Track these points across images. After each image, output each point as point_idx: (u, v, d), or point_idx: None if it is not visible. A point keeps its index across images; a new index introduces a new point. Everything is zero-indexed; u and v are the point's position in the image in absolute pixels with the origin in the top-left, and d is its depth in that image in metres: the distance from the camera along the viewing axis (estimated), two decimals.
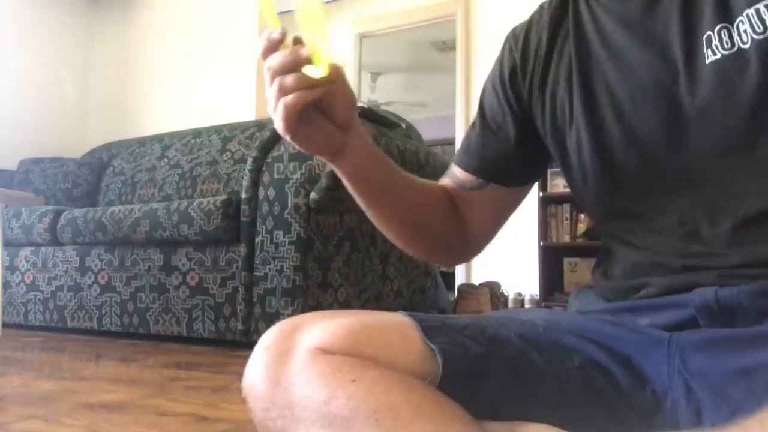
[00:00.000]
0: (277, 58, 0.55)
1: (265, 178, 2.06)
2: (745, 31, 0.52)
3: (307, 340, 0.53)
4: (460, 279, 3.96)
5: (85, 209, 2.51)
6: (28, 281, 2.62)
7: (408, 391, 0.50)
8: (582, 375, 0.57)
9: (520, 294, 3.61)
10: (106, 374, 1.56)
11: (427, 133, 3.13)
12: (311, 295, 1.97)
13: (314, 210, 1.98)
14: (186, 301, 2.18)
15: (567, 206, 3.64)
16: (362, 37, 4.75)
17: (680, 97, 0.56)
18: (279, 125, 0.57)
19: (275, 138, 2.08)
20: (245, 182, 2.10)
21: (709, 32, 0.54)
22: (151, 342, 2.26)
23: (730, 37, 0.53)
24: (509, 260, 3.80)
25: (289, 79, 0.54)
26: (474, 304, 2.99)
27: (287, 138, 0.59)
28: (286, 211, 1.99)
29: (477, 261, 3.97)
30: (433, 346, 0.54)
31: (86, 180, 3.24)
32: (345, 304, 2.08)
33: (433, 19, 4.40)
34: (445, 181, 0.78)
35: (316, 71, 0.52)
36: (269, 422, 0.53)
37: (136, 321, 2.30)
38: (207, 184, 2.75)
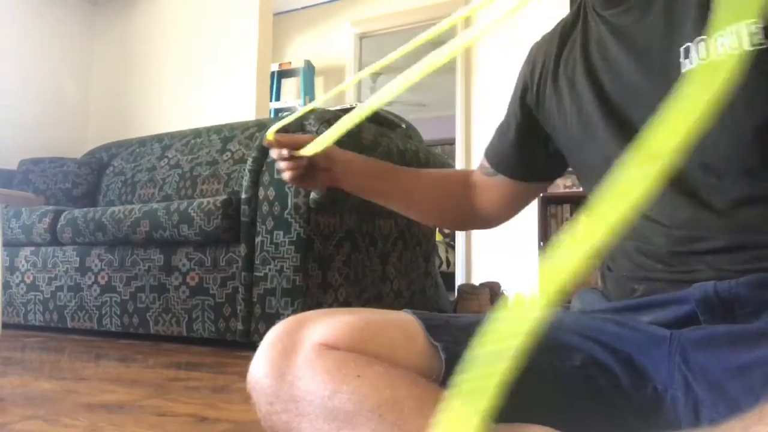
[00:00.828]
0: (274, 154, 0.85)
1: (265, 178, 2.05)
2: (722, 44, 0.55)
3: (313, 336, 0.54)
4: (460, 279, 3.96)
5: (85, 209, 2.50)
6: (28, 281, 2.62)
7: (411, 387, 0.50)
8: (583, 374, 0.57)
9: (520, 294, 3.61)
10: (106, 374, 1.56)
11: (427, 133, 3.13)
12: (311, 295, 1.97)
13: (314, 210, 1.98)
14: (186, 301, 2.18)
15: (567, 206, 3.64)
16: (362, 37, 4.75)
17: (657, 102, 0.59)
18: (289, 181, 0.87)
19: None
20: (245, 182, 2.10)
21: (688, 44, 0.58)
22: (151, 342, 2.26)
23: (707, 49, 0.56)
24: (509, 260, 3.81)
25: (282, 164, 0.85)
26: (474, 305, 2.99)
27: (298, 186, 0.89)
28: (286, 211, 1.99)
29: (477, 261, 3.97)
30: (436, 344, 0.55)
31: (86, 180, 3.24)
32: (345, 305, 2.08)
33: (433, 19, 4.40)
34: (477, 170, 0.93)
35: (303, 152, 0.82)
36: (274, 416, 0.53)
37: (136, 321, 2.29)
38: (207, 184, 2.75)
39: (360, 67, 4.80)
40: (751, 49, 0.53)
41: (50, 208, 2.64)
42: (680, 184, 0.59)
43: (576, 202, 3.62)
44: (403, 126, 2.52)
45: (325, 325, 0.55)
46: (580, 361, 0.58)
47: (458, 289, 3.22)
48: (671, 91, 0.58)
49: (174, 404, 1.18)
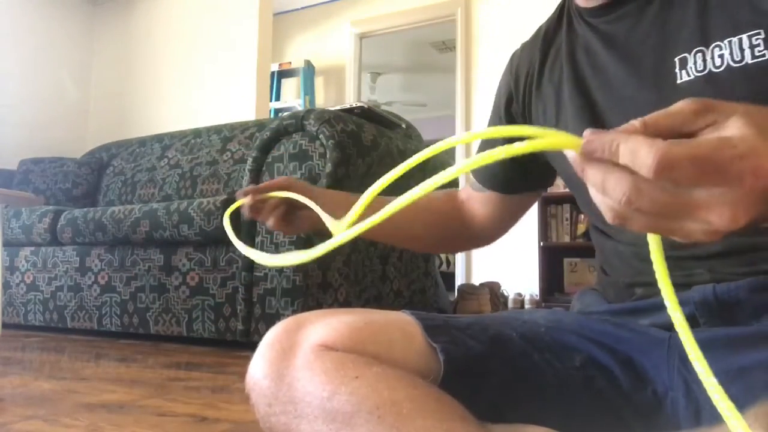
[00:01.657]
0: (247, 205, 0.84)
1: (266, 178, 2.05)
2: (720, 56, 0.54)
3: (311, 336, 0.54)
4: (460, 279, 3.96)
5: (85, 209, 2.50)
6: (28, 281, 2.62)
7: (410, 388, 0.50)
8: (583, 375, 0.57)
9: (520, 294, 3.61)
10: (106, 374, 1.56)
11: (427, 133, 3.13)
12: (311, 295, 1.97)
13: None
14: (186, 301, 2.18)
15: (567, 206, 3.64)
16: (362, 37, 4.75)
17: (648, 113, 0.58)
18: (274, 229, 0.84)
19: (275, 138, 2.08)
20: (245, 182, 2.10)
21: (685, 54, 0.57)
22: (151, 342, 2.26)
23: (704, 60, 0.55)
24: (509, 260, 3.81)
25: (251, 212, 0.84)
26: (474, 305, 2.99)
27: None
28: None
29: (477, 261, 3.97)
30: (435, 345, 0.54)
31: (86, 180, 3.24)
32: (345, 305, 2.08)
33: (433, 19, 4.40)
34: (466, 186, 0.89)
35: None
36: (272, 418, 0.53)
37: (136, 321, 2.29)
38: (207, 184, 2.75)
39: (360, 67, 4.80)
40: (753, 62, 0.52)
41: (50, 208, 2.64)
42: None
43: (576, 202, 3.62)
44: (403, 126, 2.52)
45: (323, 326, 0.55)
46: (579, 362, 0.58)
47: (458, 289, 3.22)
48: (664, 101, 0.57)
49: (174, 404, 1.18)
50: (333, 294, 2.05)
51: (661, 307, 0.59)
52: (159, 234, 2.22)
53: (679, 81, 0.57)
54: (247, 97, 3.65)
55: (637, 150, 0.31)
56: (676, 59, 0.57)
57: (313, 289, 1.98)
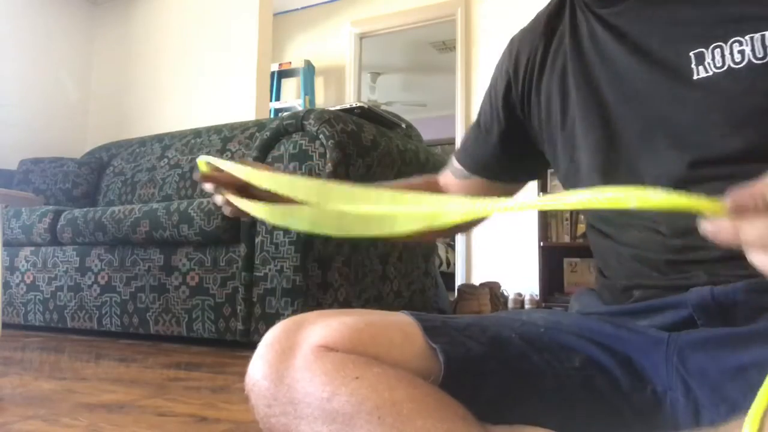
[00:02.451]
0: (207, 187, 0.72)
1: None
2: (740, 52, 0.53)
3: (311, 337, 0.54)
4: (460, 279, 3.96)
5: (85, 209, 2.50)
6: (28, 281, 2.62)
7: (410, 389, 0.50)
8: (582, 375, 0.57)
9: (520, 294, 3.61)
10: (106, 374, 1.56)
11: (427, 133, 3.13)
12: (311, 295, 1.97)
13: None
14: (186, 301, 2.18)
15: None
16: (362, 37, 4.75)
17: (662, 108, 0.57)
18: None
19: (275, 138, 2.08)
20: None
21: (701, 49, 0.55)
22: (151, 342, 2.26)
23: (722, 56, 0.54)
24: (509, 260, 3.81)
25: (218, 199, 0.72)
26: (474, 305, 2.99)
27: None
28: None
29: (477, 261, 3.97)
30: (434, 346, 0.54)
31: (86, 180, 3.24)
32: (345, 305, 2.08)
33: (433, 19, 4.40)
34: (446, 171, 0.87)
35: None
36: (272, 418, 0.53)
37: (136, 321, 2.29)
38: None
39: (360, 67, 4.80)
40: None
41: (50, 208, 2.64)
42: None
43: None
44: (403, 126, 2.52)
45: (323, 327, 0.55)
46: (579, 363, 0.58)
47: (458, 289, 3.22)
48: (680, 97, 0.57)
49: (174, 404, 1.18)
50: (333, 294, 2.05)
51: (658, 309, 0.59)
52: (159, 234, 2.22)
53: (696, 77, 0.55)
54: (247, 97, 3.65)
55: None
56: (692, 54, 0.56)
57: (313, 289, 1.98)
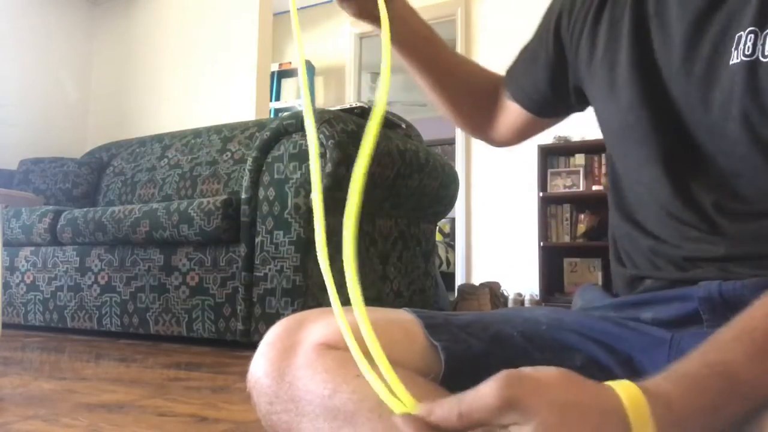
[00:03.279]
0: None
1: (265, 178, 2.05)
2: None
3: (312, 335, 0.54)
4: (460, 279, 3.96)
5: (85, 209, 2.51)
6: (28, 281, 2.62)
7: (411, 387, 0.50)
8: (583, 374, 0.57)
9: (520, 294, 3.61)
10: (106, 374, 1.56)
11: (427, 133, 3.13)
12: (311, 295, 1.97)
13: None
14: (186, 301, 2.18)
15: (567, 206, 3.64)
16: (362, 37, 4.75)
17: (700, 88, 0.56)
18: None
19: (275, 138, 2.08)
20: (245, 182, 2.10)
21: (740, 33, 0.52)
22: (151, 342, 2.26)
23: (754, 44, 0.51)
24: (509, 260, 3.81)
25: None
26: (474, 305, 2.99)
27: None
28: (286, 211, 1.99)
29: (477, 261, 3.97)
30: (436, 343, 0.54)
31: (86, 180, 3.24)
32: (345, 304, 2.08)
33: (433, 19, 4.40)
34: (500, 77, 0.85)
35: None
36: (273, 416, 0.53)
37: (136, 321, 2.29)
38: (207, 184, 2.75)
39: (360, 67, 4.80)
40: None
41: (50, 208, 2.64)
42: (700, 181, 0.57)
43: (576, 202, 3.62)
44: (403, 126, 2.52)
45: (324, 325, 0.55)
46: (580, 362, 0.57)
47: (458, 289, 3.22)
48: (712, 81, 0.54)
49: (174, 404, 1.18)
50: None
51: (665, 300, 0.59)
52: (159, 234, 2.22)
53: (731, 62, 0.53)
54: (247, 97, 3.65)
55: None
56: (736, 36, 0.53)
57: (313, 289, 1.98)
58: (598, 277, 3.48)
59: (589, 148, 3.57)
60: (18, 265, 2.66)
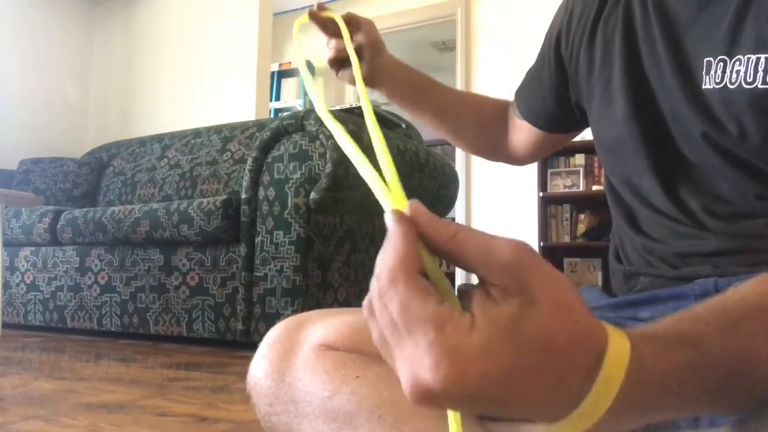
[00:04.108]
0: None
1: (265, 178, 2.06)
2: (737, 72, 0.50)
3: (312, 336, 0.54)
4: (460, 279, 3.96)
5: (85, 209, 2.51)
6: (28, 281, 2.62)
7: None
8: None
9: None
10: (106, 374, 1.56)
11: (427, 133, 3.13)
12: (311, 295, 1.97)
13: (314, 210, 1.98)
14: (186, 301, 2.18)
15: (567, 206, 3.64)
16: None
17: (681, 104, 0.57)
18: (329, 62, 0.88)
19: (275, 138, 2.08)
20: (245, 182, 2.10)
21: (710, 58, 0.53)
22: (151, 342, 2.26)
23: (723, 72, 0.51)
24: None
25: (332, 44, 0.88)
26: None
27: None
28: (286, 211, 1.99)
29: None
30: None
31: (86, 180, 3.25)
32: (345, 305, 2.08)
33: (433, 19, 4.40)
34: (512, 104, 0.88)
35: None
36: (273, 417, 0.53)
37: (136, 321, 2.30)
38: (207, 184, 2.75)
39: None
40: (765, 87, 0.48)
41: (50, 208, 2.64)
42: (687, 183, 0.58)
43: (576, 202, 3.62)
44: (403, 126, 2.53)
45: (324, 326, 0.55)
46: None
47: (458, 289, 3.22)
48: (690, 103, 0.54)
49: (174, 404, 1.18)
50: (333, 294, 2.05)
51: (662, 299, 0.59)
52: (159, 234, 2.22)
53: (704, 86, 0.53)
54: (247, 97, 3.65)
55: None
56: (705, 60, 0.53)
57: (313, 289, 1.98)
58: (598, 277, 3.48)
59: (589, 148, 3.57)
60: (18, 265, 2.66)
